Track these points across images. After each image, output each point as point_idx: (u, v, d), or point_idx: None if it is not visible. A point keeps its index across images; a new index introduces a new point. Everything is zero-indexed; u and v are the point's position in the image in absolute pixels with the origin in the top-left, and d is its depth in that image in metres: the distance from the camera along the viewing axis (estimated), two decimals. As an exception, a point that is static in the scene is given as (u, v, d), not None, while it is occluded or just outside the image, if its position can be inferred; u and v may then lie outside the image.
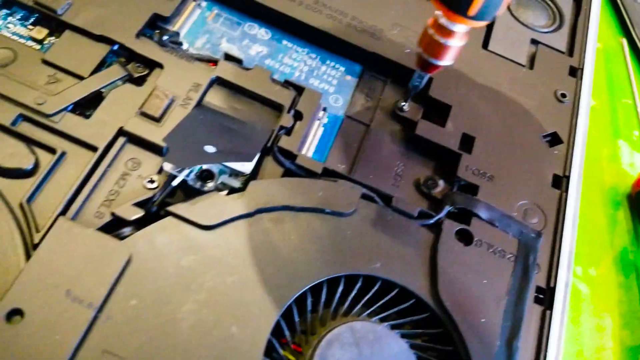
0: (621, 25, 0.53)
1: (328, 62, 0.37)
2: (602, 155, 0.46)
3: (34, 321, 0.24)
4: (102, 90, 0.31)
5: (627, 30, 0.52)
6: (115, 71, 0.31)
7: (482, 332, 0.29)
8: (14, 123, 0.29)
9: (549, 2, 0.44)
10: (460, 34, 0.30)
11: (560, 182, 0.35)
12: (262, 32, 0.37)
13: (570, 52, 0.42)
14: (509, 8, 0.43)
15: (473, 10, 0.28)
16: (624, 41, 0.51)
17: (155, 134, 0.30)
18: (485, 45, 0.40)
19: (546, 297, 0.32)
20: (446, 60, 0.31)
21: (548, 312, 0.31)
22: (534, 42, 0.41)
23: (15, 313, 0.24)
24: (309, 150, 0.34)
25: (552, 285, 0.32)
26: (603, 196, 0.44)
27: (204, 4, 0.37)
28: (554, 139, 0.37)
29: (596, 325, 0.38)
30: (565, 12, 0.44)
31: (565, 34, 0.43)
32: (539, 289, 0.32)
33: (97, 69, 0.32)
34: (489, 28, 0.41)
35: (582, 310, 0.38)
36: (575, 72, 0.41)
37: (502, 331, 0.29)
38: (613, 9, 0.54)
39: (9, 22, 0.33)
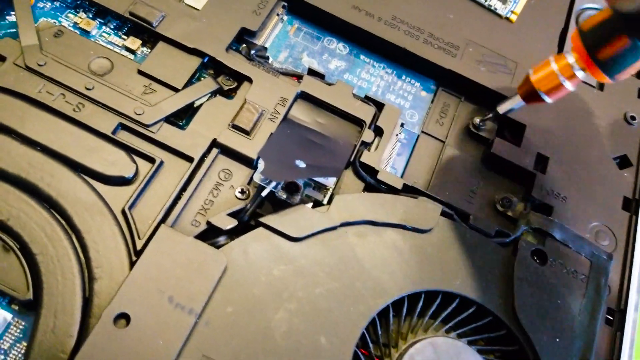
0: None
1: (404, 77, 0.37)
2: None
3: (140, 326, 0.25)
4: (194, 102, 0.31)
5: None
6: (208, 84, 0.32)
7: (556, 351, 0.29)
8: (114, 131, 0.29)
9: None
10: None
11: (630, 205, 0.35)
12: (340, 47, 0.37)
13: (639, 73, 0.41)
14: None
15: (622, 76, 0.28)
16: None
17: (246, 146, 0.30)
18: (557, 65, 0.39)
19: (616, 319, 0.32)
20: (555, 99, 0.31)
21: (619, 333, 0.31)
22: (604, 62, 0.41)
23: (121, 317, 0.25)
24: (387, 165, 0.34)
25: (622, 307, 0.32)
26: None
27: (285, 17, 0.37)
28: (623, 162, 0.36)
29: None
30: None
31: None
32: (609, 311, 0.32)
33: (189, 81, 0.32)
34: (560, 49, 0.40)
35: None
36: (645, 93, 0.40)
37: (575, 350, 0.29)
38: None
39: (103, 32, 0.34)
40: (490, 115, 0.35)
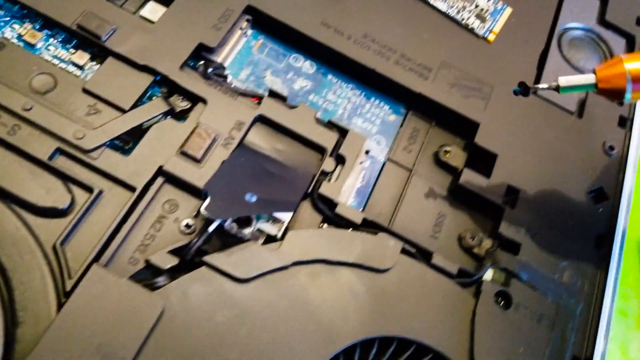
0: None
1: (373, 99, 0.34)
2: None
3: (63, 377, 0.22)
4: (143, 124, 0.29)
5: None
6: (157, 105, 0.29)
7: (518, 405, 0.27)
8: (51, 157, 0.26)
9: (601, 44, 0.41)
10: None
11: (603, 243, 0.33)
12: (307, 65, 0.34)
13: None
14: (560, 49, 0.39)
15: None
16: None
17: (195, 175, 0.28)
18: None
19: None
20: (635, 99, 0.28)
21: None
22: (585, 87, 0.38)
23: (43, 367, 0.23)
24: (350, 195, 0.31)
25: (587, 355, 0.30)
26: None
27: (249, 32, 0.34)
28: (599, 195, 0.34)
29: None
30: (616, 54, 0.41)
31: (617, 79, 0.39)
32: (574, 359, 0.30)
33: (139, 100, 0.29)
34: (539, 71, 0.37)
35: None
36: (625, 123, 0.37)
37: (539, 407, 0.27)
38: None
39: (49, 44, 0.31)
40: (549, 85, 0.29)
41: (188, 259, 0.26)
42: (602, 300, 0.31)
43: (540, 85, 0.29)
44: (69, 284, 0.24)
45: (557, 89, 0.29)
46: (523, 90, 0.29)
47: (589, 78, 0.28)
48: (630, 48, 0.41)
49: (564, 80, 0.29)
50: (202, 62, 0.32)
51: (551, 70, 0.38)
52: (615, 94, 0.28)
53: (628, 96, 0.28)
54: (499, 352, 0.28)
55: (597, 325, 0.30)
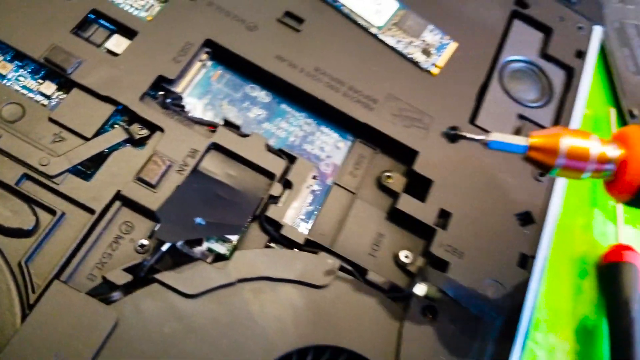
0: (612, 93, 0.53)
1: (323, 128, 0.38)
2: (576, 224, 0.46)
3: (22, 383, 0.25)
4: (104, 151, 0.32)
5: (617, 100, 0.52)
6: (117, 134, 0.32)
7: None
8: (17, 182, 0.29)
9: (541, 76, 0.44)
10: None
11: (526, 262, 0.36)
12: (262, 95, 0.37)
13: (554, 128, 0.42)
14: (501, 81, 0.42)
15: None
16: (612, 111, 0.51)
17: (150, 200, 0.30)
18: (472, 119, 0.40)
19: None
20: (561, 173, 0.28)
21: None
22: (521, 117, 0.41)
23: (6, 373, 0.25)
24: (297, 216, 0.34)
25: (506, 362, 0.33)
26: (572, 264, 0.44)
27: (209, 63, 0.37)
28: (526, 219, 0.37)
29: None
30: (555, 86, 0.44)
31: (552, 110, 0.43)
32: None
33: (101, 129, 0.32)
34: (479, 102, 0.40)
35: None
36: (556, 150, 0.41)
37: (455, 411, 0.30)
38: (606, 77, 0.53)
39: (19, 75, 0.33)
40: (478, 138, 0.29)
41: (141, 276, 0.29)
42: (522, 314, 0.34)
43: (469, 135, 0.29)
44: (32, 298, 0.27)
45: (485, 144, 0.28)
46: (452, 136, 0.29)
47: (520, 140, 0.27)
48: (569, 79, 0.45)
49: (494, 136, 0.28)
50: (161, 92, 0.34)
51: (490, 100, 0.41)
52: (543, 167, 0.27)
53: (554, 172, 0.27)
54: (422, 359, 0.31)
55: (513, 336, 0.33)
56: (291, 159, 0.34)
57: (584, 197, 0.47)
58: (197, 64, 0.36)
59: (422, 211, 0.35)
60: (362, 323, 0.31)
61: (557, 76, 0.44)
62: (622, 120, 0.51)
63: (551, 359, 0.40)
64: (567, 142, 0.27)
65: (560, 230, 0.45)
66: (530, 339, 0.40)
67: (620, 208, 0.46)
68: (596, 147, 0.27)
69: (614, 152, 0.27)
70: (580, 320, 0.42)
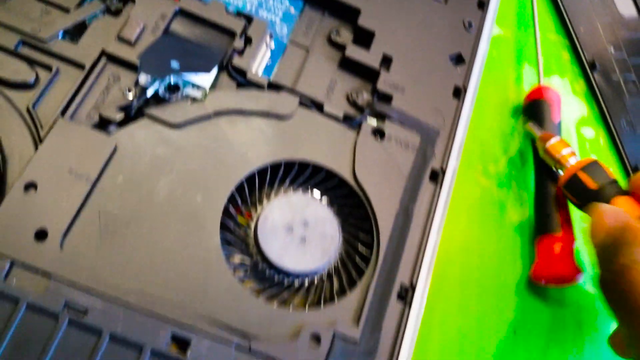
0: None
1: (275, -4, 0.43)
2: (509, 76, 0.52)
3: (46, 191, 0.31)
4: (86, 21, 0.36)
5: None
6: (95, 5, 0.37)
7: (386, 201, 0.36)
8: (16, 47, 0.34)
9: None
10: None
11: (459, 93, 0.42)
12: (218, -28, 0.42)
13: None
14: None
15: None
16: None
17: (131, 55, 0.36)
18: (407, -17, 0.45)
19: (438, 179, 0.39)
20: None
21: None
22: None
23: (30, 186, 0.31)
24: (258, 69, 0.40)
25: (444, 168, 0.39)
26: (508, 109, 0.51)
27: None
28: (458, 59, 0.43)
29: (499, 209, 0.46)
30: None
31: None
32: (432, 172, 0.39)
33: (80, 4, 0.37)
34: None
35: (482, 198, 0.46)
36: (483, 6, 0.47)
37: (402, 200, 0.37)
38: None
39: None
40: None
41: (132, 115, 0.35)
42: (456, 132, 0.40)
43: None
44: (42, 134, 0.32)
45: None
46: None
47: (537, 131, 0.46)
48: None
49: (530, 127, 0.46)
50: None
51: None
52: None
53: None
54: (374, 168, 0.37)
55: (451, 146, 0.39)
56: (248, 20, 0.40)
57: (511, 52, 0.53)
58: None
59: (368, 57, 0.41)
60: (323, 144, 0.37)
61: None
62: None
63: (493, 182, 0.46)
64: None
65: (495, 84, 0.51)
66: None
67: (541, 60, 0.53)
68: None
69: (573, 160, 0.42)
70: (516, 152, 0.48)
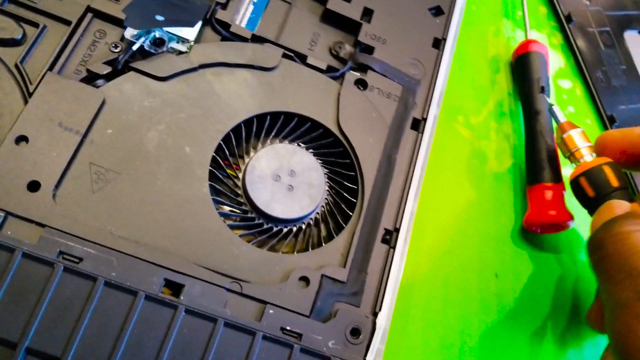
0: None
1: (254, -47, 0.43)
2: (488, 31, 0.53)
3: (37, 144, 0.32)
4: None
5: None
6: (77, -39, 0.37)
7: (370, 149, 0.38)
8: (2, 4, 0.35)
9: None
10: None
11: (439, 43, 0.43)
12: None
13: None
14: None
15: None
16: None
17: (116, 10, 0.36)
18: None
19: (420, 127, 0.40)
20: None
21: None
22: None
23: (21, 139, 0.32)
24: (242, 23, 0.40)
25: (425, 116, 0.40)
26: (487, 63, 0.52)
27: None
28: (437, 11, 0.44)
29: (479, 156, 0.47)
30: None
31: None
32: (413, 121, 0.40)
33: (62, -39, 0.37)
34: None
35: (463, 148, 0.47)
36: (461, -42, 0.47)
37: (385, 148, 0.38)
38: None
39: None
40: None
41: (119, 69, 0.35)
42: (437, 80, 0.41)
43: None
44: (31, 88, 0.33)
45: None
46: None
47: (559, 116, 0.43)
48: None
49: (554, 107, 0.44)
50: None
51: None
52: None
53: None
54: (357, 117, 0.38)
55: (432, 95, 0.41)
56: (231, -24, 0.40)
57: (495, 9, 0.54)
58: None
59: (349, 9, 0.42)
60: (307, 95, 0.38)
61: None
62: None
63: (475, 133, 0.48)
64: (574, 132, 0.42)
65: (475, 37, 0.52)
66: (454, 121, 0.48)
67: (527, 14, 0.54)
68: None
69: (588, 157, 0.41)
70: (497, 104, 0.50)
